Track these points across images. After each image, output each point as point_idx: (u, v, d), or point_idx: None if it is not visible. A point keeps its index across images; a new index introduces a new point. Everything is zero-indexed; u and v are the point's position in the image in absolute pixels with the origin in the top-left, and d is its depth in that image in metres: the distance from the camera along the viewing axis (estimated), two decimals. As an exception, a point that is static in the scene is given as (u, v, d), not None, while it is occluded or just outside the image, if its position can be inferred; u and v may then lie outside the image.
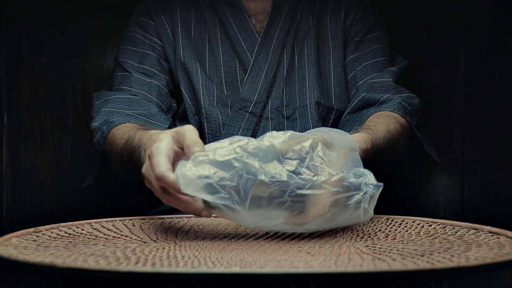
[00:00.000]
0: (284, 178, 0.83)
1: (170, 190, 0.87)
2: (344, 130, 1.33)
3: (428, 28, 1.69)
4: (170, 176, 0.85)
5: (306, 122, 1.38)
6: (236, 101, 1.39)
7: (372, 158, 1.06)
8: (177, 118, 1.44)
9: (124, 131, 1.20)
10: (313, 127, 1.37)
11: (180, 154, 0.91)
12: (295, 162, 0.85)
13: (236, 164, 0.83)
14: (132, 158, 1.09)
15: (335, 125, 1.41)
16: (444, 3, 1.68)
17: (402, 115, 1.26)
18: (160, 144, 0.89)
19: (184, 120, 1.43)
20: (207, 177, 0.83)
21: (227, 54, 1.42)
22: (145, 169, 0.92)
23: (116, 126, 1.25)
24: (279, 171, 0.84)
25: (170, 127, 1.34)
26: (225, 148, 0.85)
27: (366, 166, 1.04)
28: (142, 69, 1.40)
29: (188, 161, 0.86)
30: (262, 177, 0.83)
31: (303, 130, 1.37)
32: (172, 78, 1.43)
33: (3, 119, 1.63)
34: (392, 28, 1.51)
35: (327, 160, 0.86)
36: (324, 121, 1.41)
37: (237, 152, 0.84)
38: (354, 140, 0.92)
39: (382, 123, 1.18)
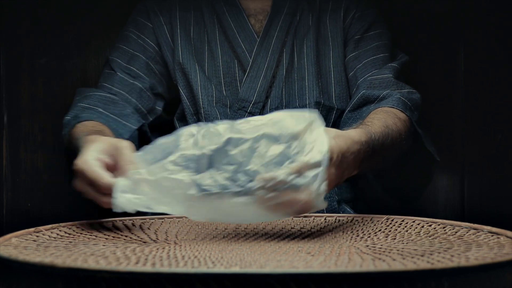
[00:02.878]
0: (216, 190, 0.84)
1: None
2: (345, 129, 1.33)
3: (428, 28, 1.69)
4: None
5: None
6: (235, 101, 1.39)
7: (371, 152, 1.04)
8: (176, 118, 1.44)
9: (82, 130, 1.19)
10: None
11: (109, 167, 0.94)
12: (231, 168, 0.84)
13: (166, 183, 0.85)
14: None
15: (336, 124, 1.41)
16: (444, 3, 1.67)
17: (401, 110, 1.24)
18: (86, 158, 0.93)
19: (183, 120, 1.43)
20: (142, 201, 0.87)
21: (226, 54, 1.42)
22: (80, 184, 0.95)
23: (81, 122, 1.24)
24: (212, 181, 0.84)
25: (141, 129, 1.35)
26: (158, 165, 0.87)
27: (367, 162, 1.03)
28: (128, 69, 1.41)
29: (125, 181, 0.89)
30: (192, 191, 0.85)
31: None
32: (163, 80, 1.43)
33: (3, 119, 1.63)
34: (392, 28, 1.50)
35: (267, 162, 0.84)
36: (325, 120, 1.39)
37: (167, 169, 0.85)
38: (311, 115, 0.89)
39: (379, 118, 1.17)
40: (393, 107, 1.24)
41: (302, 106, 1.39)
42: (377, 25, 1.45)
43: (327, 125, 1.39)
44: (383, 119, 1.17)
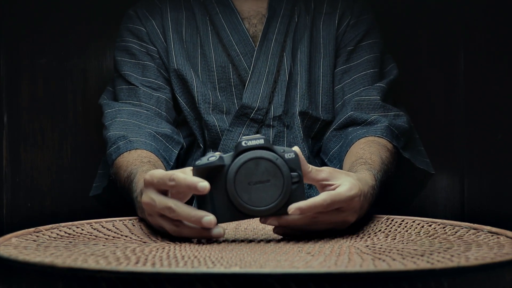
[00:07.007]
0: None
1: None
2: (329, 146, 1.33)
3: (428, 28, 1.69)
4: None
5: (297, 131, 1.36)
6: (234, 107, 1.36)
7: (375, 194, 1.04)
8: (178, 122, 1.40)
9: (130, 160, 1.17)
10: (303, 136, 1.36)
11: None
12: None
13: None
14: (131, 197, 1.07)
15: (319, 134, 1.39)
16: (444, 3, 1.67)
17: (389, 140, 1.25)
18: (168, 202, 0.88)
19: (184, 125, 1.40)
20: None
21: (220, 58, 1.37)
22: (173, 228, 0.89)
23: (132, 150, 1.21)
24: None
25: (179, 152, 1.33)
26: None
27: (373, 202, 1.03)
28: (147, 82, 1.36)
29: None
30: None
31: (293, 139, 1.35)
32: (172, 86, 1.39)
33: (3, 119, 1.63)
34: (392, 29, 1.50)
35: None
36: (309, 130, 1.38)
37: None
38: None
39: (376, 153, 1.17)
40: (382, 137, 1.25)
41: (293, 113, 1.37)
42: (371, 34, 1.42)
43: (309, 134, 1.38)
44: (378, 154, 1.17)
